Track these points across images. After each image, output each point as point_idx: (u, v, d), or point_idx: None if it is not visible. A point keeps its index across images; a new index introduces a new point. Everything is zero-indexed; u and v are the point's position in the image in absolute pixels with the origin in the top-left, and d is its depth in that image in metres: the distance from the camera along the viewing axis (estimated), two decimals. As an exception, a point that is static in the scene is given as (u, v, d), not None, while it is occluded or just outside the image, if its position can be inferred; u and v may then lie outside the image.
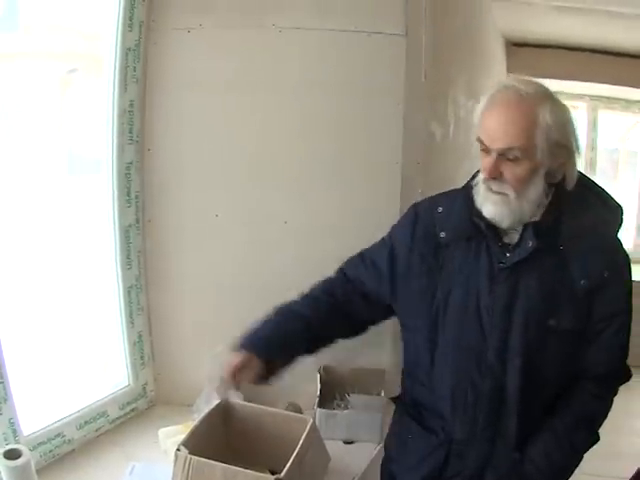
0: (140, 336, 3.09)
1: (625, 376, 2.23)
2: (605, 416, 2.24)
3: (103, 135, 2.88)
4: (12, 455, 2.21)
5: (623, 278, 2.13)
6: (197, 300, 3.06)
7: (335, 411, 2.80)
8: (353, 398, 2.89)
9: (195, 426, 2.36)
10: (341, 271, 2.41)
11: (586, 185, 2.16)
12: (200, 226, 3.03)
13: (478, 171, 2.10)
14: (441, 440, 2.17)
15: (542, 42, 5.70)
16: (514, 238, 2.07)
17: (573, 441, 2.15)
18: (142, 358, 3.11)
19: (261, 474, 2.15)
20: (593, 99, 6.07)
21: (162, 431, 2.79)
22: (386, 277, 2.27)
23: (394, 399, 2.45)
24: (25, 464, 2.21)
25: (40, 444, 2.66)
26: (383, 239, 2.35)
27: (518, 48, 5.78)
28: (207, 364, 2.91)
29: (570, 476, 2.20)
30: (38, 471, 2.31)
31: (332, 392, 2.92)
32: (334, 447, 2.60)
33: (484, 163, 2.01)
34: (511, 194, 1.98)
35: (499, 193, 2.00)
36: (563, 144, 1.99)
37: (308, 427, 2.35)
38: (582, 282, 2.03)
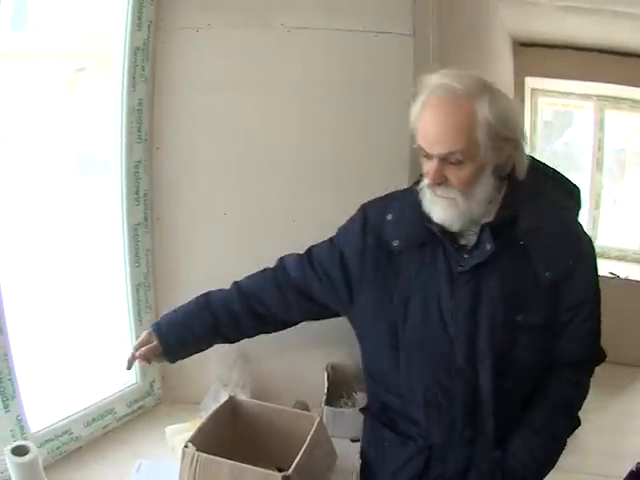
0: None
1: (599, 358, 2.22)
2: (583, 399, 2.23)
3: (112, 134, 2.89)
4: (20, 451, 2.22)
5: (589, 264, 2.09)
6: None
7: (342, 409, 2.81)
8: (360, 396, 2.88)
9: (203, 423, 2.37)
10: (284, 270, 2.37)
11: (539, 170, 2.12)
12: (208, 224, 3.04)
13: (422, 174, 2.05)
14: (420, 446, 2.14)
15: (549, 42, 5.69)
16: (471, 239, 2.03)
17: (554, 430, 2.14)
18: (150, 356, 3.12)
19: (268, 471, 2.16)
20: (600, 99, 6.06)
21: (169, 428, 2.79)
22: (341, 285, 2.22)
23: (362, 410, 2.42)
24: (32, 460, 2.22)
25: (47, 441, 2.67)
26: (331, 242, 2.30)
27: (525, 48, 5.78)
28: (215, 362, 2.93)
29: (557, 462, 2.18)
30: (45, 468, 2.31)
31: (339, 390, 2.92)
32: (341, 445, 2.59)
33: (426, 169, 1.96)
34: (458, 197, 1.94)
35: (446, 197, 1.95)
36: (508, 136, 1.93)
37: (315, 425, 2.36)
38: (547, 274, 2.00)
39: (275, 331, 2.45)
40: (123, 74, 2.83)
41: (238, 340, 2.46)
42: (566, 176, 2.18)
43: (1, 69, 2.36)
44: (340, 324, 2.41)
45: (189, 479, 2.20)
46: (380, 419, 2.27)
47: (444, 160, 1.90)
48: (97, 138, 3.15)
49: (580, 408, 2.22)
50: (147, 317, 3.06)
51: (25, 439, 2.47)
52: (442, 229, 2.00)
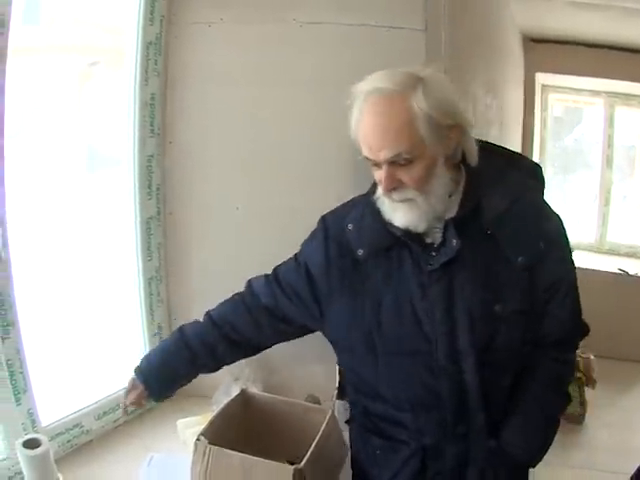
0: (160, 327, 3.11)
1: (582, 333, 2.19)
2: (571, 375, 2.24)
3: (124, 128, 2.90)
4: (31, 444, 2.23)
5: (560, 242, 2.06)
6: (217, 293, 3.04)
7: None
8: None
9: (214, 416, 2.38)
10: (252, 294, 2.34)
11: (496, 153, 2.10)
12: (221, 219, 3.05)
13: (375, 183, 2.02)
14: (413, 449, 2.10)
15: (560, 38, 5.68)
16: (437, 237, 1.99)
17: (546, 411, 2.13)
18: (161, 349, 3.13)
19: (280, 464, 2.16)
20: (610, 96, 6.04)
21: (181, 422, 2.81)
22: (310, 301, 2.17)
23: (347, 422, 2.41)
24: (44, 453, 2.23)
25: (58, 434, 2.68)
26: (295, 259, 2.26)
27: (536, 44, 5.77)
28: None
29: (552, 441, 2.16)
30: (56, 461, 2.32)
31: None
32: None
33: (378, 177, 1.93)
34: (417, 197, 1.90)
35: (405, 200, 1.91)
36: (450, 123, 1.88)
37: (327, 418, 2.36)
38: (519, 259, 1.95)
39: (253, 355, 2.45)
40: (136, 68, 2.85)
41: (219, 368, 2.44)
42: (524, 155, 2.15)
43: (13, 63, 2.36)
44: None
45: (201, 472, 2.21)
46: (366, 427, 2.23)
47: (393, 164, 1.86)
48: (110, 132, 3.16)
49: (568, 385, 2.23)
50: (159, 311, 3.07)
51: (36, 432, 2.48)
52: (406, 232, 1.96)
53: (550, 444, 2.16)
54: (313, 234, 2.22)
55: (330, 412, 2.42)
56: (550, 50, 5.74)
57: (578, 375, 3.69)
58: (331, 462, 2.37)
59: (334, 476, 2.41)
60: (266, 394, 2.61)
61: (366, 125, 1.89)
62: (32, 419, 2.58)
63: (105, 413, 2.89)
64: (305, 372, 2.96)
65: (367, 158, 1.91)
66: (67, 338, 3.03)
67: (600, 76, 5.81)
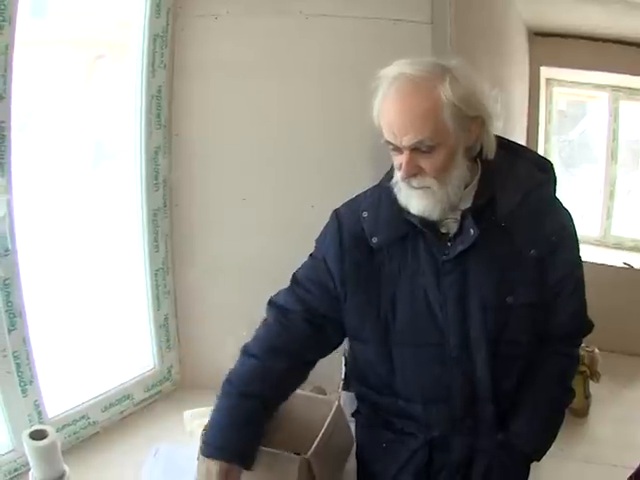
0: (166, 319, 3.12)
1: (588, 329, 2.21)
2: (575, 370, 2.26)
3: (131, 120, 2.90)
4: (38, 435, 2.21)
5: (571, 237, 2.08)
6: (223, 284, 3.07)
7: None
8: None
9: (221, 407, 2.38)
10: (279, 309, 2.20)
11: (509, 148, 2.10)
12: (227, 210, 3.06)
13: (392, 168, 2.03)
14: (420, 442, 2.10)
15: (564, 32, 5.66)
16: (451, 227, 2.00)
17: (553, 404, 2.15)
18: (168, 341, 3.15)
19: (287, 453, 2.16)
20: (614, 90, 6.02)
21: (187, 413, 2.81)
22: (333, 291, 2.12)
23: (353, 414, 2.38)
24: (51, 444, 2.21)
25: (65, 426, 2.69)
26: (312, 257, 2.22)
27: (540, 38, 5.75)
28: (232, 347, 2.94)
29: (557, 435, 2.17)
30: (62, 453, 2.30)
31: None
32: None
33: (398, 163, 1.92)
34: (434, 185, 1.90)
35: (422, 187, 1.91)
36: (474, 115, 1.90)
37: (333, 409, 2.37)
38: (531, 252, 1.98)
39: (311, 369, 2.27)
40: (142, 61, 2.85)
41: (287, 397, 2.25)
42: (537, 152, 2.16)
43: (20, 57, 2.36)
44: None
45: (208, 463, 2.21)
46: (374, 420, 2.24)
47: (415, 150, 1.87)
48: (114, 125, 3.17)
49: (572, 379, 2.23)
50: (165, 302, 3.08)
51: (42, 424, 2.48)
52: (422, 220, 1.97)
53: (554, 438, 2.17)
54: (326, 228, 2.20)
55: (336, 403, 2.43)
56: (554, 44, 5.72)
57: (582, 368, 3.69)
58: (337, 452, 2.37)
59: (340, 466, 2.42)
60: (273, 385, 2.61)
61: (391, 110, 1.89)
62: (38, 411, 2.59)
63: (111, 405, 2.90)
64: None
65: (388, 142, 1.92)
66: (74, 330, 3.03)
67: (605, 70, 5.79)
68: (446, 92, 1.84)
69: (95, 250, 3.11)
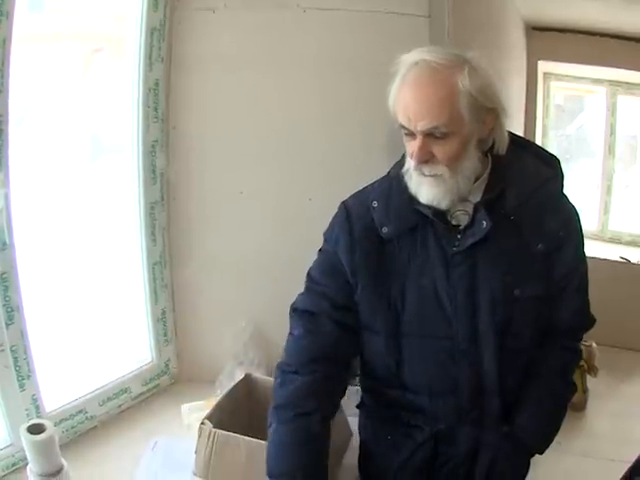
0: (164, 312, 3.12)
1: (591, 324, 2.22)
2: (577, 365, 2.30)
3: (128, 114, 2.90)
4: (36, 430, 2.21)
5: (577, 233, 2.09)
6: (221, 277, 3.08)
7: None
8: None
9: (219, 401, 2.39)
10: (303, 313, 2.15)
11: (518, 144, 2.09)
12: (225, 203, 3.06)
13: (403, 157, 2.02)
14: (426, 434, 2.11)
15: (562, 26, 5.66)
16: (461, 219, 2.00)
17: (556, 398, 2.16)
18: (165, 334, 3.14)
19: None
20: (612, 84, 6.02)
21: (185, 407, 2.82)
22: (349, 279, 2.09)
23: (358, 406, 2.38)
24: (49, 438, 2.21)
25: (62, 420, 2.70)
26: (321, 251, 2.19)
27: (539, 32, 5.75)
28: (230, 341, 2.95)
29: (560, 428, 2.19)
30: (60, 447, 2.30)
31: (355, 369, 2.93)
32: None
33: (411, 149, 1.91)
34: (445, 173, 1.90)
35: (433, 175, 1.91)
36: (489, 107, 1.90)
37: (331, 402, 2.37)
38: (539, 246, 1.99)
39: (350, 369, 2.23)
40: (139, 55, 2.85)
41: (339, 405, 2.26)
42: (544, 148, 2.17)
43: (18, 51, 2.36)
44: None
45: (206, 456, 2.22)
46: (379, 413, 2.24)
47: (429, 136, 1.86)
48: (112, 118, 3.17)
49: (574, 373, 2.26)
50: (163, 296, 3.08)
51: (40, 418, 2.48)
52: (433, 210, 1.96)
53: (557, 432, 2.19)
54: (334, 220, 2.18)
55: (334, 395, 2.43)
56: (552, 38, 5.71)
57: (580, 363, 3.70)
58: (335, 446, 2.37)
59: (337, 460, 2.42)
60: (270, 378, 2.59)
61: (408, 94, 1.88)
62: (36, 405, 2.60)
63: (109, 399, 2.90)
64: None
65: (403, 127, 1.91)
66: (71, 324, 3.03)
67: (602, 65, 5.79)
68: (464, 81, 1.84)
69: (92, 244, 3.10)
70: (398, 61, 1.94)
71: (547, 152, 2.15)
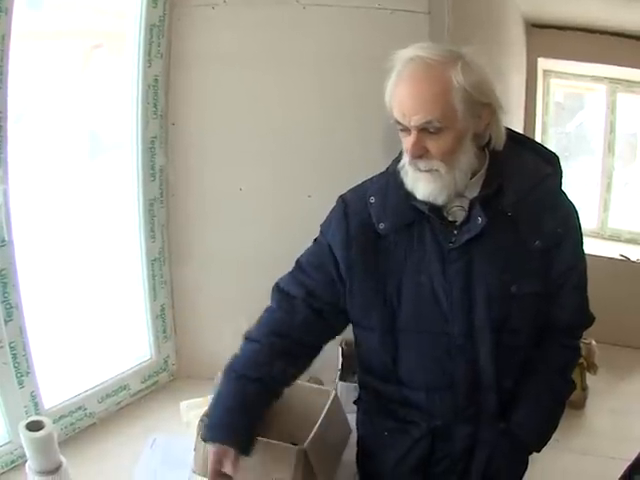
0: (163, 309, 3.13)
1: (590, 322, 2.22)
2: (577, 362, 2.27)
3: (127, 110, 2.90)
4: (35, 427, 2.21)
5: (575, 230, 2.09)
6: (220, 273, 3.08)
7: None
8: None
9: (218, 398, 2.38)
10: (282, 293, 2.18)
11: (517, 140, 2.10)
12: (224, 200, 3.06)
13: (401, 153, 2.02)
14: (423, 430, 2.11)
15: (562, 24, 5.66)
16: (458, 215, 1.99)
17: (554, 395, 2.16)
18: (164, 331, 3.15)
19: (283, 444, 2.16)
20: (612, 82, 6.02)
21: (184, 404, 2.81)
22: (336, 277, 2.10)
23: (355, 402, 2.37)
24: (47, 436, 2.21)
25: (61, 417, 2.70)
26: (316, 241, 2.20)
27: (539, 29, 5.74)
28: (229, 337, 2.94)
29: (557, 426, 2.19)
30: (59, 444, 2.31)
31: (353, 366, 2.91)
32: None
33: (406, 144, 1.91)
34: (441, 168, 1.90)
35: (428, 170, 1.91)
36: (484, 102, 1.90)
37: (330, 399, 2.37)
38: (536, 243, 1.98)
39: (315, 357, 2.22)
40: (139, 51, 2.85)
41: (289, 384, 2.20)
42: (543, 144, 2.17)
43: (17, 48, 2.37)
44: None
45: (204, 454, 2.21)
46: (376, 409, 2.24)
47: (423, 131, 1.86)
48: (111, 115, 3.17)
49: (573, 371, 2.24)
50: (162, 292, 3.08)
51: (39, 415, 2.48)
52: (429, 206, 1.96)
53: (555, 429, 2.19)
54: (331, 214, 2.18)
55: (334, 393, 2.43)
56: (552, 36, 5.71)
57: (580, 360, 3.70)
58: (334, 443, 2.38)
59: (337, 457, 2.42)
60: (269, 376, 2.61)
61: (403, 90, 1.89)
62: (35, 402, 2.60)
63: (108, 395, 2.91)
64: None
65: (398, 122, 1.91)
66: (70, 320, 3.03)
67: (602, 62, 5.78)
68: (458, 77, 1.84)
69: (92, 240, 3.10)
70: (393, 57, 1.94)
71: (546, 149, 2.15)
